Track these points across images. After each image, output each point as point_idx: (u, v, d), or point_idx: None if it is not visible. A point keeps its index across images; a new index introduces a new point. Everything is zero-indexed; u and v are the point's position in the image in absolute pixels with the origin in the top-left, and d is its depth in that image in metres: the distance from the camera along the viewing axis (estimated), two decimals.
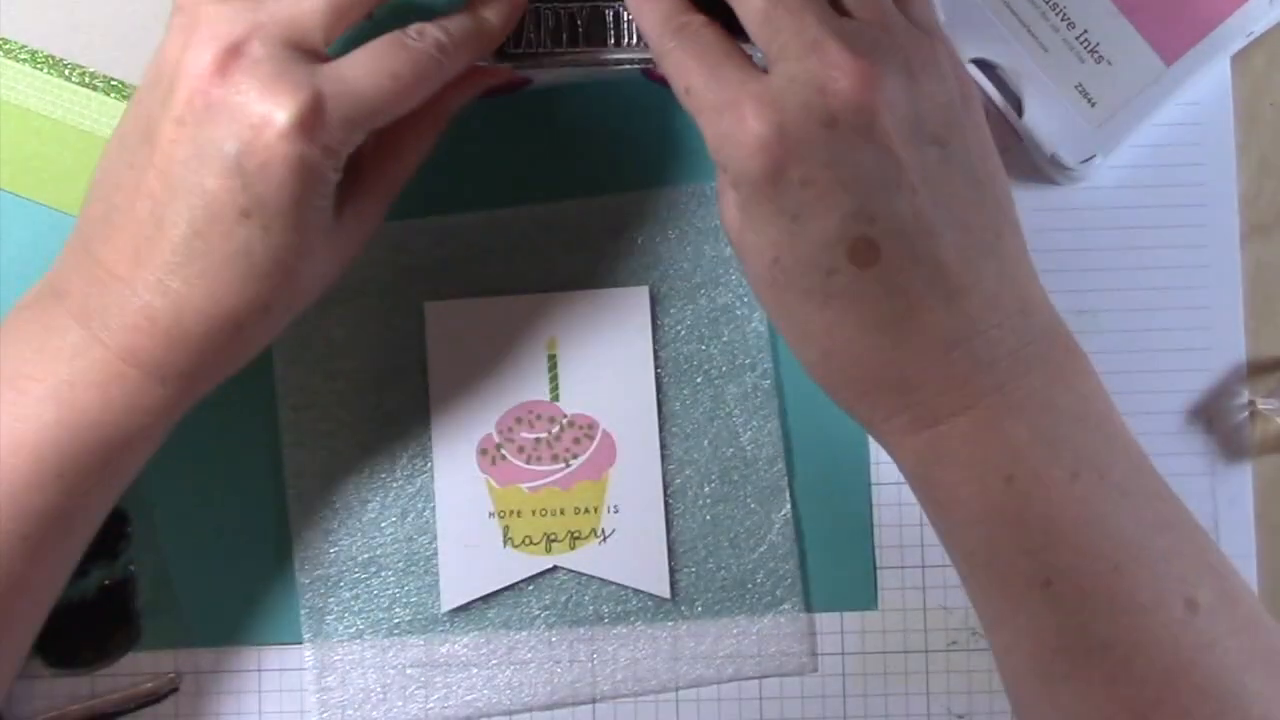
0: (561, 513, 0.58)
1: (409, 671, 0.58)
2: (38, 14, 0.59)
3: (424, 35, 0.48)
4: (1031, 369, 0.46)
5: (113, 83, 0.59)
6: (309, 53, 0.47)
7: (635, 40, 0.54)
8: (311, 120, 0.45)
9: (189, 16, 0.47)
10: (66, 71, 0.59)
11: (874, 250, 0.44)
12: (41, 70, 0.59)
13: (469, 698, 0.58)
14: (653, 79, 0.55)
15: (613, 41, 0.54)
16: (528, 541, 0.58)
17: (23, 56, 0.59)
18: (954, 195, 0.46)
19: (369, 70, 0.47)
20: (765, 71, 0.45)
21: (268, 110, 0.45)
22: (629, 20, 0.54)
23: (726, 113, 0.45)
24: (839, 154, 0.44)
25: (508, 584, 0.58)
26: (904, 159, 0.44)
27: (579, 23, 0.54)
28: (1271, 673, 0.45)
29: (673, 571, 0.58)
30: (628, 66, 0.54)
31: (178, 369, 0.48)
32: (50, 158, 0.59)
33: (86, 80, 0.59)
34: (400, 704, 0.58)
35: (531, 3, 0.53)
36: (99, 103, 0.59)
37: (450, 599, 0.58)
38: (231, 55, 0.46)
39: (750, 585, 0.58)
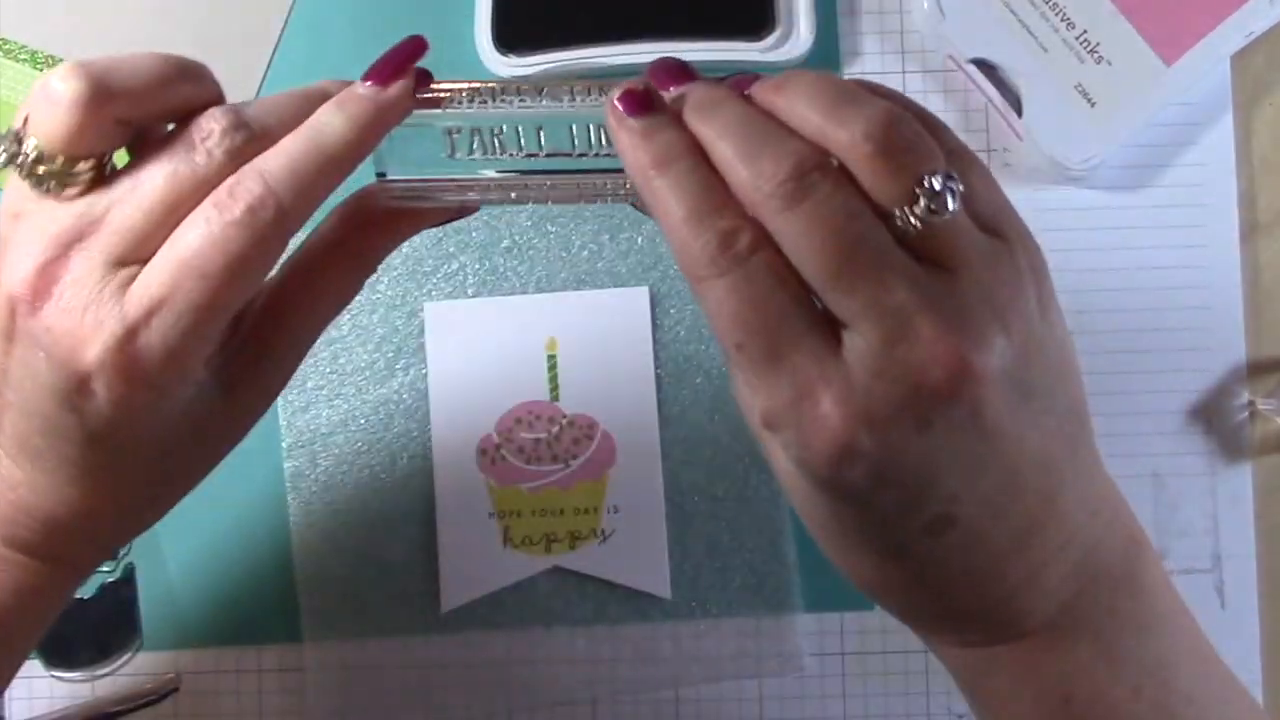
0: (561, 513, 0.58)
1: (409, 671, 0.58)
2: (38, 14, 0.60)
3: (236, 198, 0.38)
4: (1096, 579, 0.41)
5: None
6: (139, 264, 0.39)
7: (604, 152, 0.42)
8: (123, 364, 0.39)
9: (16, 206, 0.40)
10: None
11: (950, 521, 0.38)
12: (41, 70, 0.59)
13: (469, 698, 0.58)
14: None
15: (579, 152, 0.42)
16: (527, 542, 0.58)
17: (23, 56, 0.59)
18: (1043, 434, 0.39)
19: (175, 278, 0.38)
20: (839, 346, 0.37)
21: (78, 357, 0.39)
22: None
23: (793, 397, 0.36)
24: (929, 456, 0.37)
25: (508, 584, 0.58)
26: (993, 435, 0.37)
27: (536, 133, 0.42)
28: None
29: (673, 571, 0.58)
30: (601, 196, 0.44)
31: (55, 554, 0.44)
32: None
33: None
34: (400, 704, 0.58)
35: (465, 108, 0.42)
36: None
37: (450, 599, 0.58)
38: (46, 276, 0.39)
39: (750, 585, 0.58)
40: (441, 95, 0.42)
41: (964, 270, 0.37)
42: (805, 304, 0.37)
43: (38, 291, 0.39)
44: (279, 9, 0.60)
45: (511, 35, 0.58)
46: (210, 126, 0.39)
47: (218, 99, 0.41)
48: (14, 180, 0.40)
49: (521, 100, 0.41)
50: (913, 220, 0.36)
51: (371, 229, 0.44)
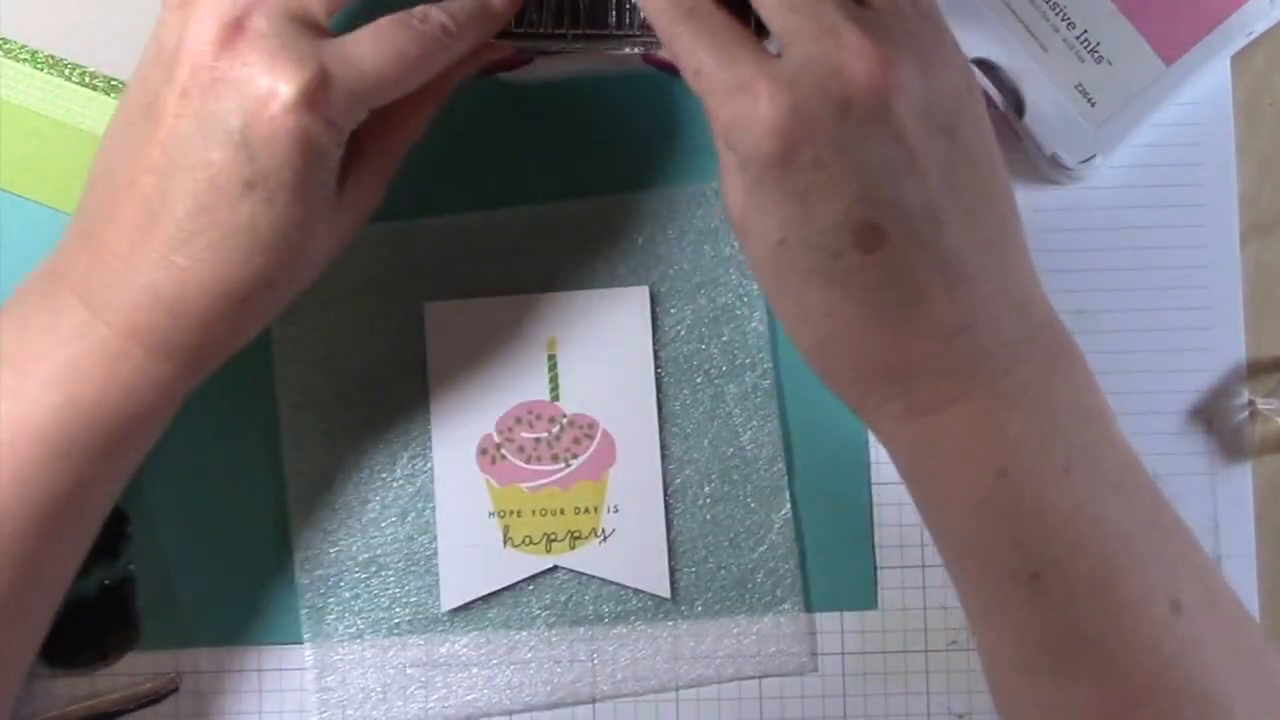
0: (561, 512, 0.58)
1: (409, 671, 0.58)
2: (38, 14, 0.60)
3: (429, 19, 0.48)
4: (1028, 360, 0.46)
5: (113, 83, 0.59)
6: (312, 26, 0.47)
7: (637, 25, 0.53)
8: (316, 95, 0.45)
9: None
10: (66, 71, 0.59)
11: (880, 236, 0.44)
12: (41, 70, 0.59)
13: (469, 698, 0.58)
14: (653, 64, 0.54)
15: (614, 25, 0.54)
16: (528, 541, 0.58)
17: (23, 56, 0.59)
18: (961, 185, 0.45)
19: (374, 48, 0.47)
20: (778, 56, 0.45)
21: (272, 83, 0.45)
22: (632, 5, 0.53)
23: (739, 94, 0.44)
24: (851, 138, 0.44)
25: (508, 584, 0.58)
26: (915, 146, 0.44)
27: (581, 5, 0.54)
28: (1252, 674, 0.46)
29: (673, 571, 0.58)
30: (629, 50, 0.54)
31: (182, 346, 0.48)
32: (50, 158, 0.59)
33: (86, 80, 0.59)
34: (400, 704, 0.58)
35: None
36: (99, 103, 0.59)
37: (450, 599, 0.58)
38: (235, 29, 0.45)
39: (750, 585, 0.58)
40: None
41: (899, 19, 0.45)
42: (752, 38, 0.46)
43: (228, 39, 0.45)
44: None
45: (511, 40, 0.58)
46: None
47: None
48: None
49: None
50: None
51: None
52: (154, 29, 0.48)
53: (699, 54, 0.45)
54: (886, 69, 0.44)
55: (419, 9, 0.48)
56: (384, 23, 0.47)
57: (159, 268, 0.47)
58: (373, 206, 0.52)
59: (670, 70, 0.49)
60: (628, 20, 0.54)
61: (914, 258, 0.44)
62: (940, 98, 0.45)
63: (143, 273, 0.47)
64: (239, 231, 0.46)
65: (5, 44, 0.59)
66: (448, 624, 0.58)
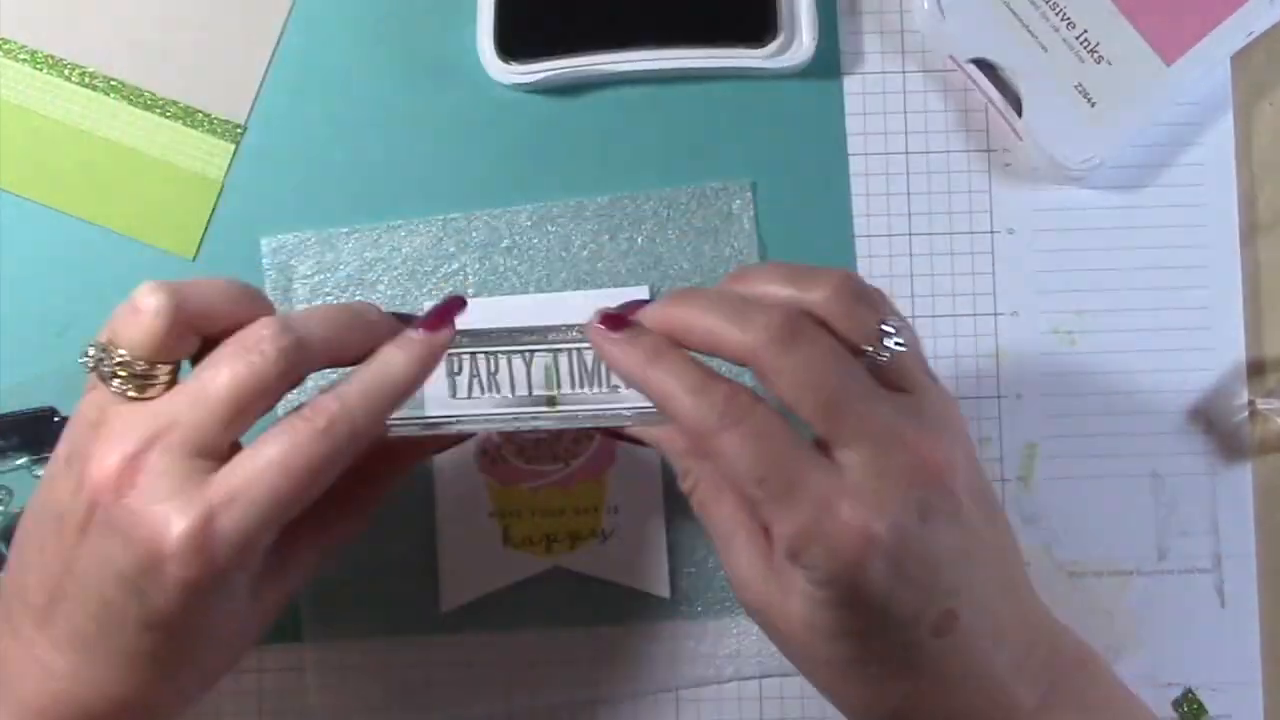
0: (562, 513, 0.58)
1: (409, 671, 0.58)
2: (38, 14, 0.60)
3: (317, 416, 0.45)
4: (1065, 671, 0.47)
5: (112, 82, 0.59)
6: (212, 457, 0.45)
7: (581, 387, 0.50)
8: (203, 545, 0.43)
9: (98, 408, 0.46)
10: (66, 71, 0.59)
11: (954, 618, 0.45)
12: (41, 70, 0.59)
13: (468, 698, 0.58)
14: (611, 436, 0.55)
15: (575, 388, 0.51)
16: (527, 542, 0.58)
17: (23, 56, 0.59)
18: (996, 543, 0.47)
19: (259, 473, 0.44)
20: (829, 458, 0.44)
21: (158, 536, 0.43)
22: (590, 369, 0.51)
23: (815, 512, 0.43)
24: (932, 544, 0.44)
25: (508, 584, 0.58)
26: (976, 531, 0.45)
27: (492, 367, 0.51)
28: None
29: (672, 572, 0.58)
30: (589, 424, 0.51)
31: None
32: (50, 158, 0.59)
33: (86, 80, 0.59)
34: (400, 704, 0.58)
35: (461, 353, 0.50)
36: (99, 102, 0.59)
37: (450, 599, 0.58)
38: (131, 468, 0.44)
39: None
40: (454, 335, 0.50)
41: (921, 392, 0.46)
42: (803, 439, 0.45)
43: (122, 482, 0.44)
44: (279, 9, 0.60)
45: (513, 42, 0.58)
46: (261, 332, 0.45)
47: (269, 314, 0.47)
48: (94, 392, 0.46)
49: (511, 341, 0.50)
50: (884, 353, 0.45)
51: (375, 458, 0.51)
52: (70, 422, 0.47)
53: (757, 465, 0.44)
54: (951, 465, 0.45)
55: (308, 407, 0.45)
56: (271, 436, 0.45)
57: (62, 672, 0.46)
58: (288, 600, 0.50)
59: (620, 438, 0.53)
60: (589, 384, 0.51)
61: (976, 626, 0.45)
62: (976, 474, 0.47)
63: (50, 672, 0.46)
64: (139, 658, 0.45)
65: (5, 44, 0.59)
66: (448, 624, 0.58)
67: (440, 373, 0.50)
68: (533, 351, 0.50)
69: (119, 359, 0.45)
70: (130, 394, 0.45)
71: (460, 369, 0.50)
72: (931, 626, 0.45)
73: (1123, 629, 0.58)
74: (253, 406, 0.45)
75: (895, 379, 0.46)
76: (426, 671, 0.58)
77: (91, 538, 0.44)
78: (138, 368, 0.45)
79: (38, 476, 0.58)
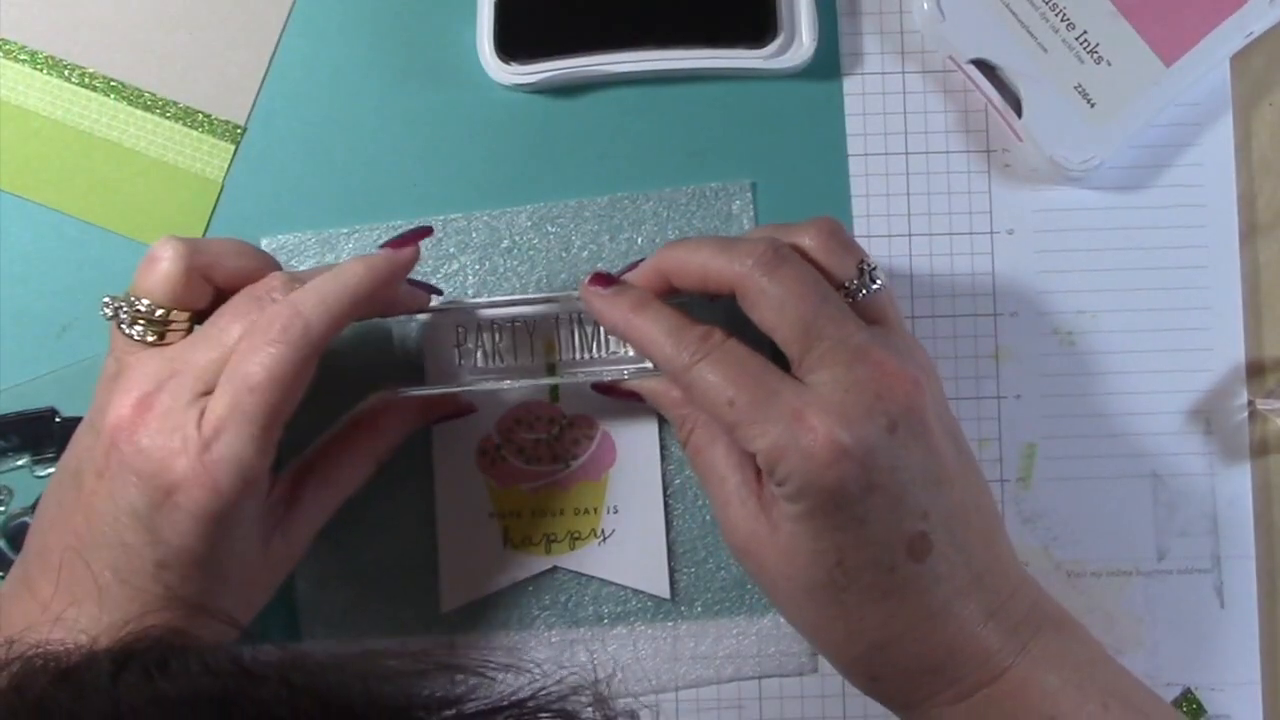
0: (561, 513, 0.58)
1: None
2: (38, 14, 0.60)
3: (271, 320, 0.48)
4: (1042, 628, 0.49)
5: (112, 83, 0.59)
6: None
7: (580, 354, 0.56)
8: (200, 471, 0.46)
9: (116, 362, 0.50)
10: (66, 71, 0.59)
11: (927, 543, 0.47)
12: (41, 70, 0.59)
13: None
14: (601, 391, 0.56)
15: (564, 355, 0.56)
16: (527, 542, 0.58)
17: (23, 57, 0.59)
18: (968, 480, 0.49)
19: (235, 394, 0.47)
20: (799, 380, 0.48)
21: (165, 468, 0.46)
22: (585, 333, 0.56)
23: (786, 423, 0.46)
24: (900, 457, 0.46)
25: (508, 585, 0.58)
26: (943, 455, 0.48)
27: (497, 337, 0.56)
28: None
29: (672, 572, 0.58)
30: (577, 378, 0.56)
31: None
32: (50, 158, 0.59)
33: (86, 80, 0.59)
34: None
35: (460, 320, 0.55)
36: (99, 103, 0.59)
37: (450, 600, 0.58)
38: (140, 408, 0.47)
39: (749, 586, 0.58)
40: (432, 308, 0.56)
41: (895, 325, 0.50)
42: (772, 363, 0.48)
43: (135, 420, 0.47)
44: (279, 9, 0.60)
45: (513, 43, 0.58)
46: (272, 282, 0.49)
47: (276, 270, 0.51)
48: (116, 343, 0.50)
49: (513, 312, 0.56)
50: (864, 288, 0.49)
51: (388, 423, 0.55)
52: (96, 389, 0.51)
53: (728, 385, 0.47)
54: (918, 387, 0.47)
55: (264, 316, 0.48)
56: (236, 354, 0.48)
57: (82, 624, 0.47)
58: (301, 553, 0.53)
59: (620, 395, 0.55)
60: (577, 351, 0.56)
61: (951, 557, 0.48)
62: (940, 405, 0.49)
63: (68, 625, 0.47)
64: (158, 600, 0.47)
65: (5, 44, 0.59)
66: (448, 624, 0.58)
67: (448, 344, 0.56)
68: (534, 321, 0.55)
69: (139, 307, 0.49)
70: (150, 339, 0.49)
71: (464, 340, 0.56)
72: (906, 547, 0.47)
73: (1123, 629, 0.58)
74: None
75: (870, 314, 0.50)
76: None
77: (107, 481, 0.47)
78: (155, 314, 0.49)
79: (39, 477, 0.58)
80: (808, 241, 0.50)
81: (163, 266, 0.49)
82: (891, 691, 0.50)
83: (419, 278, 0.56)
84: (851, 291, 0.50)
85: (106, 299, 0.50)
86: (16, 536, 0.57)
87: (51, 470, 0.58)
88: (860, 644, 0.48)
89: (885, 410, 0.46)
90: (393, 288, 0.52)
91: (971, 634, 0.48)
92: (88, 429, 0.50)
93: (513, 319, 0.56)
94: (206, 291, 0.50)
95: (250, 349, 0.47)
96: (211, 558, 0.47)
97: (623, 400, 0.56)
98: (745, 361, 0.48)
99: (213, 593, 0.48)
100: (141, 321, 0.49)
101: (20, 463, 0.58)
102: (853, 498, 0.46)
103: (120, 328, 0.50)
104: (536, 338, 0.56)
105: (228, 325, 0.48)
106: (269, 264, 0.52)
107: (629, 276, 0.52)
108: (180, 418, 0.47)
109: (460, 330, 0.56)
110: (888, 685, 0.49)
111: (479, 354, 0.56)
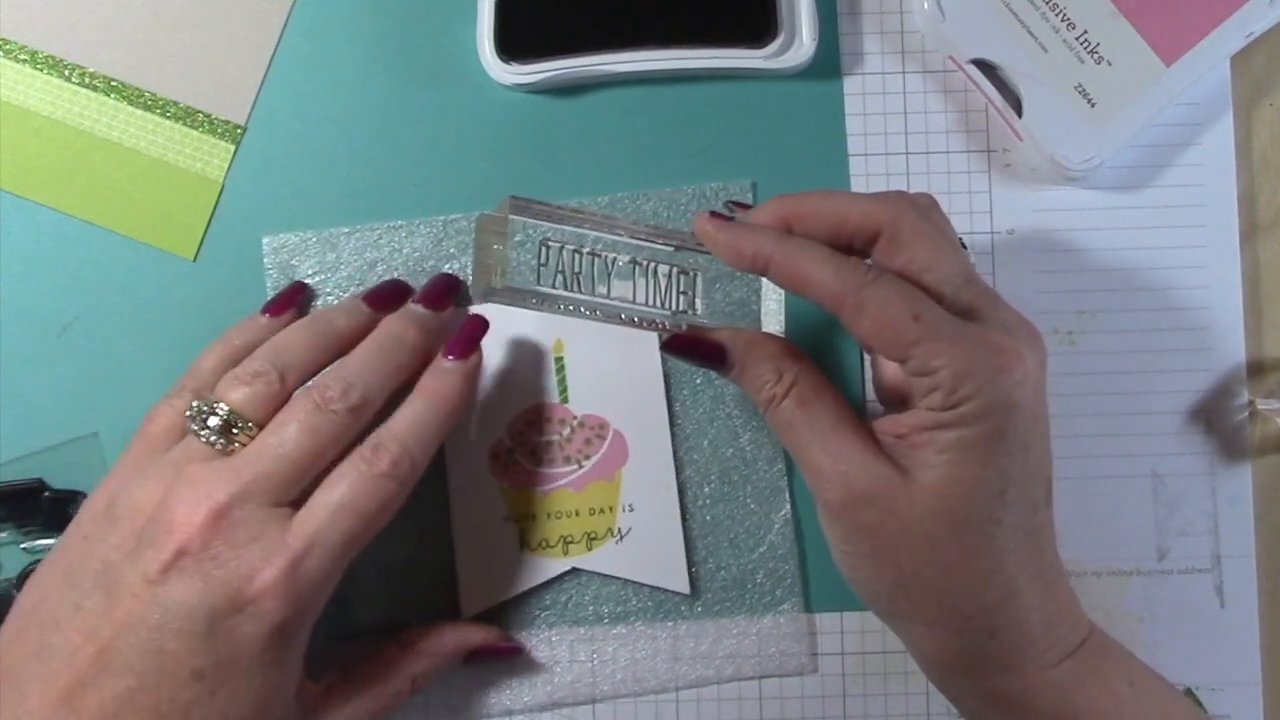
0: (576, 514, 0.58)
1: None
2: (38, 14, 0.59)
3: (379, 458, 0.50)
4: (1090, 651, 0.49)
5: (112, 83, 0.59)
6: (291, 505, 0.49)
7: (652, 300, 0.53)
8: (288, 585, 0.47)
9: (173, 470, 0.49)
10: (66, 71, 0.59)
11: (1051, 491, 0.48)
12: (41, 70, 0.59)
13: (469, 697, 0.58)
14: (677, 348, 0.52)
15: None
16: (544, 545, 0.58)
17: (23, 57, 0.59)
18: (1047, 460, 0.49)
19: (332, 515, 0.48)
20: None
21: (246, 577, 0.47)
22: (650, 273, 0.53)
23: (973, 341, 0.45)
24: (1042, 402, 0.47)
25: (527, 588, 0.58)
26: (1043, 429, 0.48)
27: (607, 275, 0.52)
28: None
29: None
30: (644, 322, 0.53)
31: None
32: (50, 158, 0.59)
33: (86, 80, 0.59)
34: (406, 705, 0.58)
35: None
36: (99, 103, 0.59)
37: (470, 605, 0.58)
38: (216, 518, 0.47)
39: (750, 585, 0.58)
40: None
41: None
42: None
43: (210, 528, 0.47)
44: (279, 9, 0.60)
45: (513, 43, 0.58)
46: (330, 394, 0.50)
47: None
48: (180, 448, 0.50)
49: (598, 244, 0.52)
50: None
51: (421, 653, 0.55)
52: (115, 489, 0.50)
53: (910, 304, 0.45)
54: (1041, 348, 0.48)
55: (368, 446, 0.50)
56: (339, 478, 0.49)
57: None
58: None
59: (701, 352, 0.51)
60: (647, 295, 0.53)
61: (1051, 513, 0.49)
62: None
63: None
64: (173, 714, 0.46)
65: (5, 44, 0.59)
66: None
67: (528, 257, 0.51)
68: (614, 259, 0.52)
69: (220, 414, 0.50)
70: (219, 447, 0.49)
71: (547, 260, 0.52)
72: (1045, 488, 0.48)
73: (1123, 629, 0.58)
74: (325, 458, 0.50)
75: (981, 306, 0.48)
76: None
77: (160, 587, 0.46)
78: (236, 425, 0.50)
79: (24, 549, 0.58)
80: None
81: (261, 388, 0.50)
82: (1003, 651, 0.48)
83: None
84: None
85: (194, 400, 0.50)
86: (1, 608, 0.56)
87: (42, 543, 0.58)
88: (994, 590, 0.47)
89: (1036, 350, 0.47)
90: (471, 397, 0.54)
91: (1070, 592, 0.49)
92: (110, 527, 0.48)
93: (593, 250, 0.52)
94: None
95: (357, 474, 0.49)
96: (250, 679, 0.47)
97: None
98: (915, 291, 0.46)
99: (231, 712, 0.47)
100: (221, 430, 0.50)
101: (6, 535, 0.58)
102: (1028, 422, 0.46)
103: (195, 431, 0.50)
104: (616, 272, 0.52)
105: (291, 436, 0.49)
106: (333, 346, 0.53)
107: (748, 216, 0.50)
108: (259, 529, 0.47)
109: (544, 247, 0.51)
110: (1002, 642, 0.48)
111: (559, 277, 0.52)
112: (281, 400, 0.51)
